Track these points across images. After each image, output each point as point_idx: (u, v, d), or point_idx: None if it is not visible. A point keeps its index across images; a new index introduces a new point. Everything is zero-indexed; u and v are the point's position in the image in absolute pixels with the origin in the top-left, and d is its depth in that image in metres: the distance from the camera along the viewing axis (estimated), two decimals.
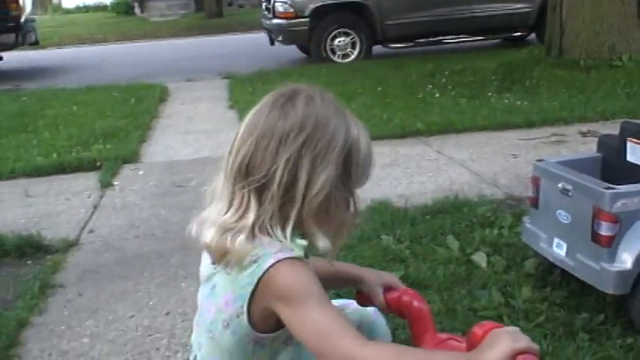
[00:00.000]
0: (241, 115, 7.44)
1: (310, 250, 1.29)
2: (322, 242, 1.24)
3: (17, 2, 11.61)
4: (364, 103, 7.68)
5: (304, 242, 1.23)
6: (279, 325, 1.25)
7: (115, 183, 5.40)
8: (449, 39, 11.66)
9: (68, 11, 32.82)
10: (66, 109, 8.26)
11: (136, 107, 8.27)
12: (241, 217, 1.23)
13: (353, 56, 11.20)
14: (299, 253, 1.22)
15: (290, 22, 11.15)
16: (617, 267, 2.72)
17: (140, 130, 7.09)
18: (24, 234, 4.20)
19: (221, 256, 1.25)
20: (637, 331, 2.77)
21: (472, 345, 1.20)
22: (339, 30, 11.14)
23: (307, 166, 1.21)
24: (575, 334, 2.79)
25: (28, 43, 12.37)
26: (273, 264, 1.19)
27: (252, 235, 1.22)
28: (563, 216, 2.96)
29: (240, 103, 8.07)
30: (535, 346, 1.14)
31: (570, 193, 2.91)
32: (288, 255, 1.20)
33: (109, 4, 30.72)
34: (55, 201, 5.06)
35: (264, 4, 12.35)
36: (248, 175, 1.23)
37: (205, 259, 1.36)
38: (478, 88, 8.06)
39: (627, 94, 7.32)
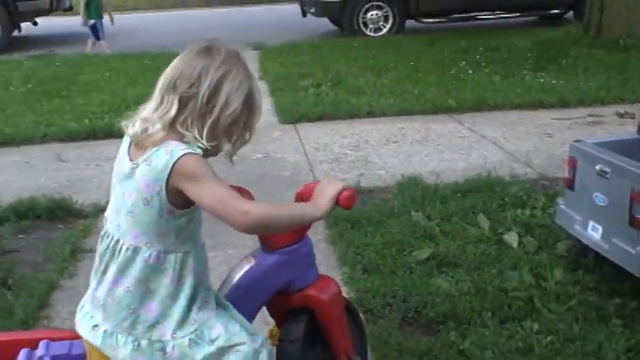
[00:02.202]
0: (271, 85, 7.41)
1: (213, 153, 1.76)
2: (226, 147, 1.76)
3: None
4: (396, 77, 7.60)
5: (203, 146, 1.68)
6: (188, 204, 1.71)
7: None
8: (484, 15, 11.45)
9: None
10: (98, 75, 8.31)
11: None
12: (163, 115, 1.67)
13: (385, 30, 11.07)
14: (200, 152, 1.67)
15: None
16: None
17: None
18: (56, 197, 4.24)
19: (142, 141, 1.67)
20: None
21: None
22: (372, 3, 10.99)
23: (226, 91, 1.67)
24: (607, 319, 2.75)
25: (62, 8, 12.40)
26: (183, 154, 1.64)
27: (168, 127, 1.67)
28: (600, 198, 2.90)
29: (269, 74, 8.02)
30: (349, 185, 1.68)
31: (608, 176, 2.84)
32: (192, 151, 1.66)
33: None
34: (87, 166, 5.10)
35: None
36: (176, 89, 1.67)
37: (124, 163, 1.75)
38: (513, 66, 7.92)
39: None
